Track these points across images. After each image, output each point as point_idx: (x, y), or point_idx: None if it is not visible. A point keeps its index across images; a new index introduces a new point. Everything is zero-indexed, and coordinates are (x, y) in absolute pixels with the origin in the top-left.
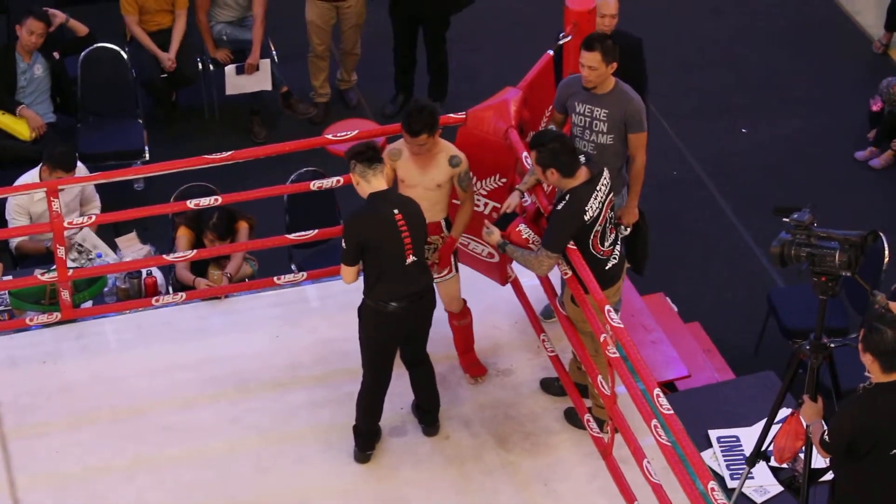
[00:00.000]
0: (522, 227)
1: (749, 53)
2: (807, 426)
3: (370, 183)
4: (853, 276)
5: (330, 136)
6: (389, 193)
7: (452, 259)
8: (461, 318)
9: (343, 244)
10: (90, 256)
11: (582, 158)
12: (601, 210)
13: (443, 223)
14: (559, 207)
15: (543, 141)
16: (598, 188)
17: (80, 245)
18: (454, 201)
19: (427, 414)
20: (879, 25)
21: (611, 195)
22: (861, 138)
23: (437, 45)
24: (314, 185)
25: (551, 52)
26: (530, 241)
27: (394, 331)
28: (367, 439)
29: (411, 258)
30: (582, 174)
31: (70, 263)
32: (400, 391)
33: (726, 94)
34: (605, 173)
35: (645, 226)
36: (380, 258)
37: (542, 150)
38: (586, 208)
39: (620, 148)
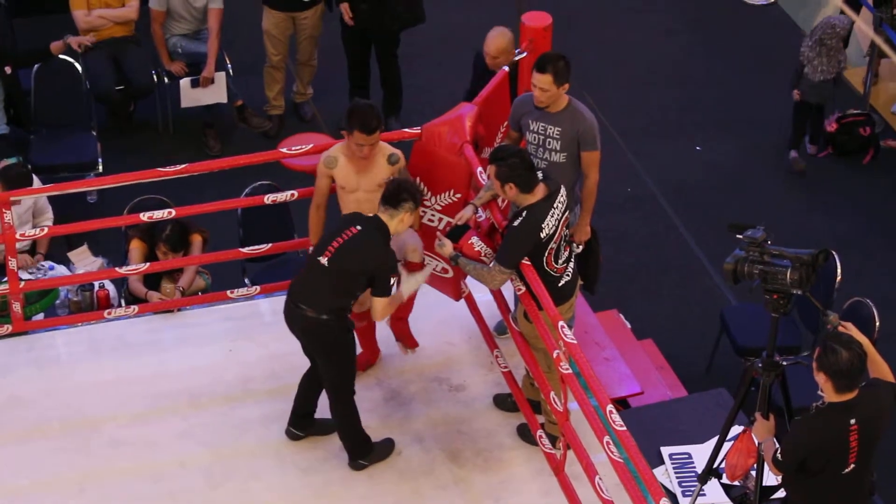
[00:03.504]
0: (475, 239)
1: (703, 72)
2: (759, 444)
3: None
4: (804, 294)
5: (284, 150)
6: (365, 217)
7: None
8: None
9: None
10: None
11: (540, 175)
12: (557, 227)
13: None
14: (515, 224)
15: (503, 156)
16: (555, 205)
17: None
18: None
19: (298, 418)
20: None
21: (567, 213)
22: (812, 158)
23: (389, 61)
24: (268, 198)
25: (507, 69)
26: (482, 254)
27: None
28: (292, 414)
29: (324, 260)
30: (540, 191)
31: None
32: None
33: (680, 112)
34: (563, 190)
35: (597, 244)
36: None
37: (502, 165)
38: (543, 225)
39: (573, 166)
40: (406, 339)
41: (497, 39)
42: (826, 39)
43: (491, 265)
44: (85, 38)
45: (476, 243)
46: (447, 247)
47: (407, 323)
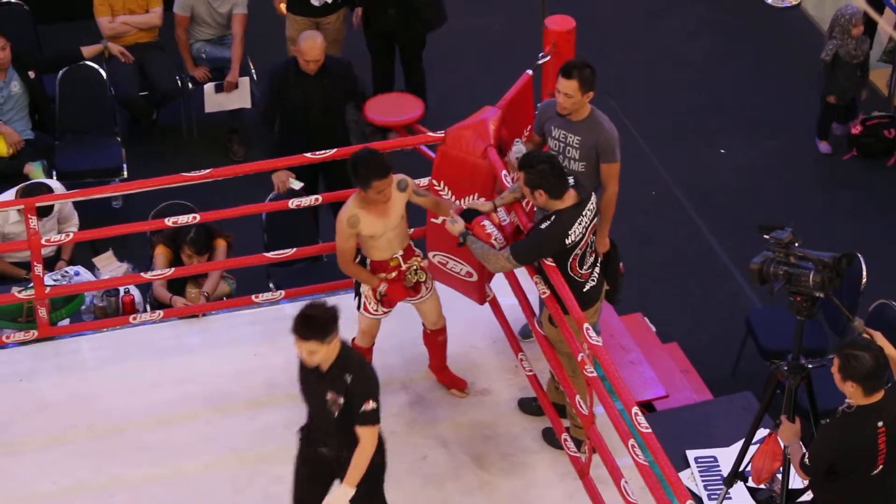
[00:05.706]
0: (487, 222)
1: (726, 74)
2: (784, 447)
3: None
4: (827, 296)
5: (308, 155)
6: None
7: (427, 278)
8: (442, 335)
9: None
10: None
11: (570, 181)
12: (584, 234)
13: (412, 244)
14: (542, 226)
15: (532, 162)
16: (584, 213)
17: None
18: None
19: None
20: None
21: (595, 220)
22: (837, 160)
23: (413, 64)
24: (293, 203)
25: (530, 72)
26: (493, 237)
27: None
28: None
29: None
30: (570, 197)
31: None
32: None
33: (703, 115)
34: (593, 198)
35: (616, 255)
36: None
37: (531, 172)
38: (569, 232)
39: (592, 176)
40: (454, 384)
41: (309, 41)
42: (836, 25)
43: (500, 249)
44: (125, 52)
45: (488, 226)
46: (459, 224)
47: (448, 370)
